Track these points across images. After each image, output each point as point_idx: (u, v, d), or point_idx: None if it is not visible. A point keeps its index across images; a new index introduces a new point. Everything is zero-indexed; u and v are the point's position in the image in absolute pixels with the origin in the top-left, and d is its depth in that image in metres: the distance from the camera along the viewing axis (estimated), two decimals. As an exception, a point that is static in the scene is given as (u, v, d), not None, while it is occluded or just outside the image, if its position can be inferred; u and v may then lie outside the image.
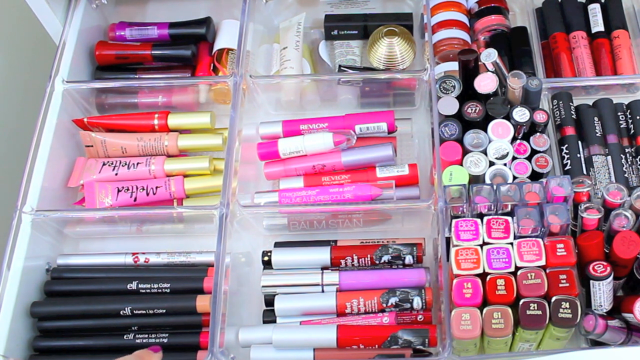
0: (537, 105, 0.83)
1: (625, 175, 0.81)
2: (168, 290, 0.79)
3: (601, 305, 0.69)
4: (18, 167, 0.84)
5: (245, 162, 0.85)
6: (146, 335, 0.77)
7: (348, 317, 0.76)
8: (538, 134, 0.80)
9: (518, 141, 0.80)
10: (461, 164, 0.78)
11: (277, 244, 0.82)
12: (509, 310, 0.67)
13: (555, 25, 0.94)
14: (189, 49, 0.95)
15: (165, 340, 0.77)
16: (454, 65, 0.89)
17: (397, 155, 0.86)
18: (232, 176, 0.81)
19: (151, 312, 0.77)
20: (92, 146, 0.89)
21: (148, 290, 0.79)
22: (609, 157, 0.82)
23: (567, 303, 0.66)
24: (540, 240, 0.69)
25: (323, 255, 0.78)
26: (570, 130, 0.83)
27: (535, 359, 0.66)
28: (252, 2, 0.93)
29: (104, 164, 0.87)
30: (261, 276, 0.78)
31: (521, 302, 0.67)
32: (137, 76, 0.96)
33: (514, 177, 0.77)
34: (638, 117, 0.84)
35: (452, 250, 0.70)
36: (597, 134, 0.83)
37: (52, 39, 0.96)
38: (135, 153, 0.88)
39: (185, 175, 0.87)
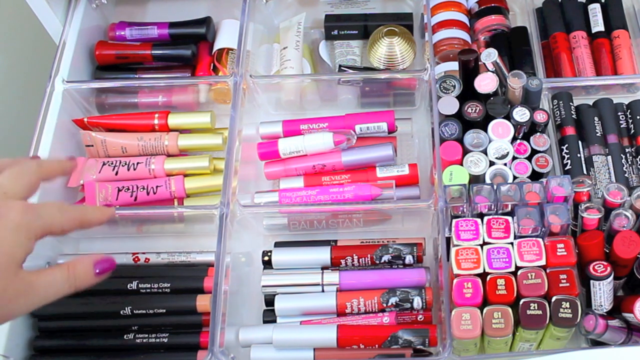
0: (537, 105, 0.83)
1: (626, 175, 0.81)
2: (168, 290, 0.79)
3: (601, 305, 0.69)
4: (18, 167, 0.84)
5: (245, 162, 0.85)
6: (146, 335, 0.77)
7: (348, 317, 0.76)
8: (538, 133, 0.80)
9: (518, 141, 0.80)
10: (461, 164, 0.78)
11: (277, 244, 0.82)
12: (509, 310, 0.67)
13: (555, 25, 0.94)
14: (189, 48, 0.95)
15: (166, 340, 0.77)
16: (454, 65, 0.89)
17: (397, 155, 0.86)
18: (232, 176, 0.81)
19: (151, 312, 0.77)
20: (92, 146, 0.89)
21: (148, 290, 0.79)
22: (609, 157, 0.82)
23: (568, 303, 0.66)
24: (540, 240, 0.69)
25: (323, 255, 0.78)
26: (570, 130, 0.83)
27: (535, 359, 0.67)
28: (252, 2, 0.93)
29: (104, 164, 0.87)
30: (261, 276, 0.78)
31: (521, 302, 0.67)
32: (137, 76, 0.96)
33: (514, 177, 0.77)
34: (638, 117, 0.84)
35: (452, 250, 0.70)
36: (597, 134, 0.83)
37: (52, 39, 0.96)
38: (136, 153, 0.88)
39: (186, 175, 0.87)
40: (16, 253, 0.56)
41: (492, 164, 0.78)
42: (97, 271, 0.62)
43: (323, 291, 0.77)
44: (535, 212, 0.70)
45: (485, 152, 0.79)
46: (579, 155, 0.82)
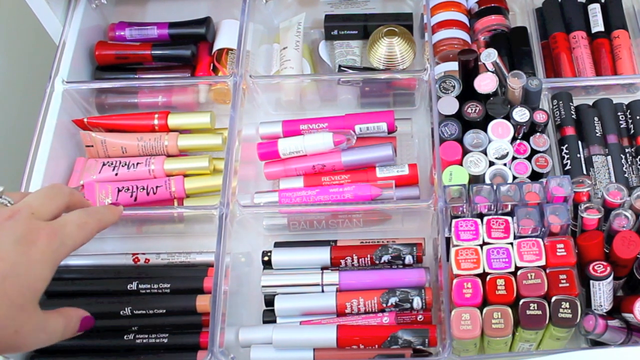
0: (537, 105, 0.83)
1: (625, 175, 0.81)
2: (168, 291, 0.79)
3: (601, 305, 0.69)
4: (18, 167, 0.84)
5: (245, 162, 0.85)
6: (146, 336, 0.77)
7: (348, 317, 0.76)
8: (538, 134, 0.80)
9: (518, 141, 0.80)
10: (461, 164, 0.78)
11: (277, 244, 0.82)
12: (509, 310, 0.67)
13: (555, 25, 0.94)
14: (188, 49, 0.95)
15: (165, 341, 0.77)
16: (454, 65, 0.89)
17: (397, 155, 0.86)
18: (232, 176, 0.81)
19: (151, 312, 0.77)
20: (92, 146, 0.89)
21: (148, 291, 0.79)
22: (609, 157, 0.82)
23: (567, 303, 0.66)
24: (540, 240, 0.69)
25: (323, 255, 0.78)
26: (570, 130, 0.83)
27: (535, 359, 0.67)
28: (252, 2, 0.93)
29: (104, 164, 0.87)
30: (261, 276, 0.78)
31: (521, 302, 0.67)
32: (137, 76, 0.96)
33: (514, 177, 0.77)
34: (638, 117, 0.84)
35: (452, 250, 0.70)
36: (597, 134, 0.83)
37: (52, 39, 0.96)
38: (135, 153, 0.88)
39: (185, 175, 0.87)
40: (39, 287, 0.56)
41: (491, 164, 0.78)
42: (80, 327, 0.63)
43: (323, 291, 0.77)
44: (535, 212, 0.70)
45: (485, 152, 0.79)
46: (578, 155, 0.82)
